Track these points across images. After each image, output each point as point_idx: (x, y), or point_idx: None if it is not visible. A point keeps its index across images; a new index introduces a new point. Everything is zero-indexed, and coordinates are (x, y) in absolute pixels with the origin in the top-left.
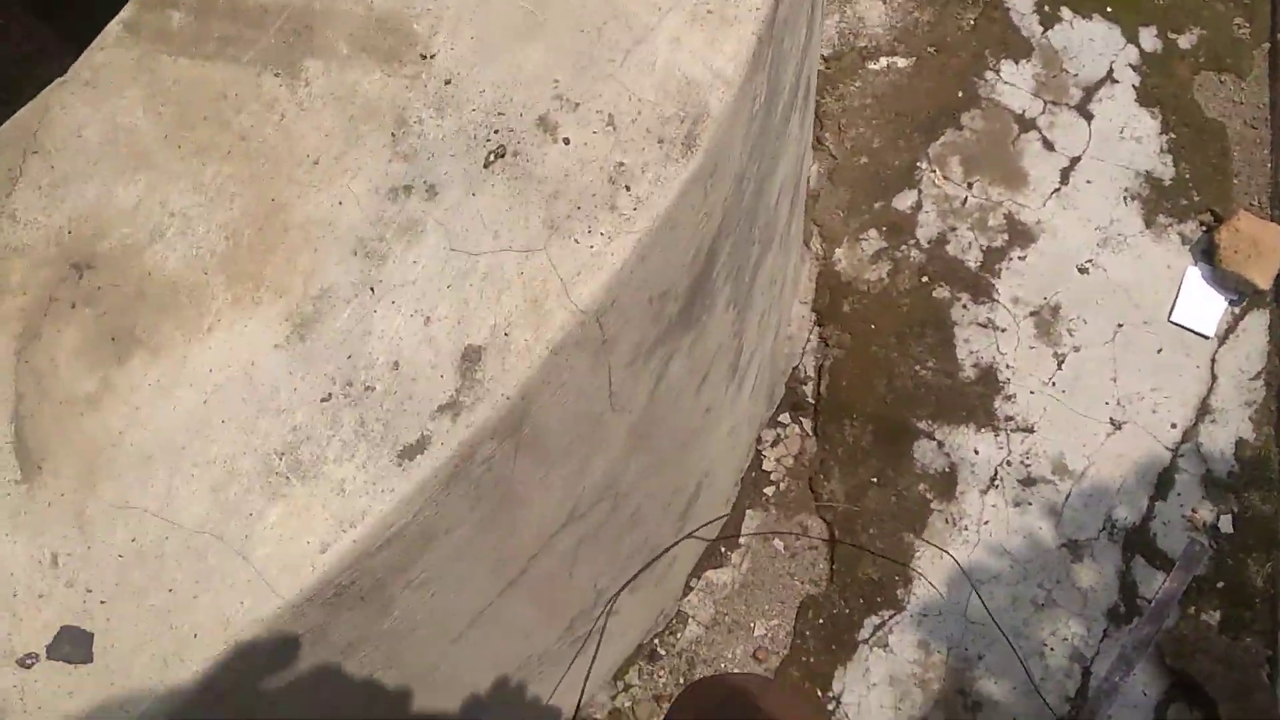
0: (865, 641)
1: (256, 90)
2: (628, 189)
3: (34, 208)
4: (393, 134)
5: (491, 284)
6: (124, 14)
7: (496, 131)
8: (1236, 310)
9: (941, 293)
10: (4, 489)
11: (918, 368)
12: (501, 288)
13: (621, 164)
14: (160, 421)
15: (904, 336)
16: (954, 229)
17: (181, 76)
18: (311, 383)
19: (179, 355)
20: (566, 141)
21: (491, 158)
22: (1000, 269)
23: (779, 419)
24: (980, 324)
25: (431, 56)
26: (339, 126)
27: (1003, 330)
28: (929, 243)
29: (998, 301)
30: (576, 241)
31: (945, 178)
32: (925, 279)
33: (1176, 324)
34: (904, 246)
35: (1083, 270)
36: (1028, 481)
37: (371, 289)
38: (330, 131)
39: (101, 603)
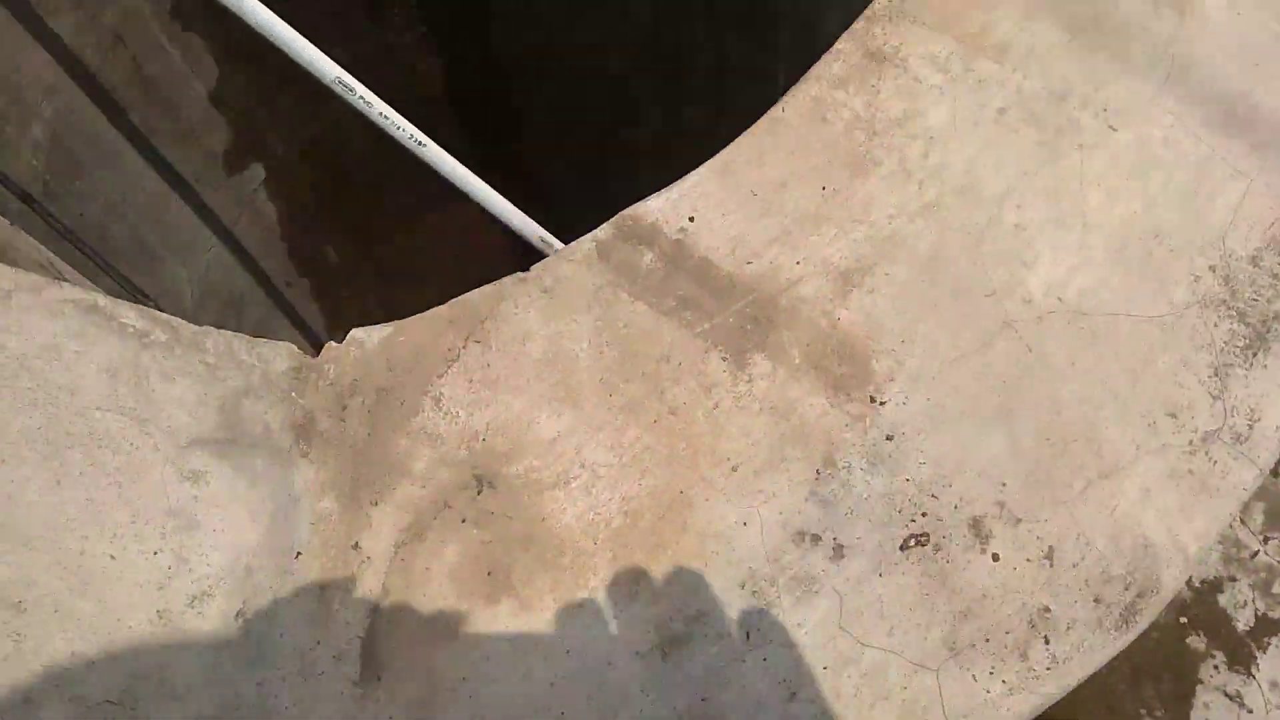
0: None
1: (700, 367)
2: (1046, 641)
3: (459, 400)
4: (818, 471)
5: (870, 686)
6: (600, 233)
7: (924, 514)
8: None
9: (1196, 643)
10: (340, 683)
11: (1143, 711)
12: (879, 695)
13: (1047, 609)
14: (503, 685)
15: (1140, 672)
16: (1234, 580)
17: (634, 322)
18: (658, 711)
19: (544, 620)
20: (995, 558)
21: (911, 541)
22: (1269, 644)
23: None
24: (1227, 694)
25: (881, 403)
26: (767, 439)
27: (1249, 711)
28: (1201, 583)
29: (1254, 678)
30: (974, 678)
31: (1242, 521)
32: (1184, 620)
33: None
34: None
35: None
36: None
37: (748, 634)
38: (758, 441)
39: None
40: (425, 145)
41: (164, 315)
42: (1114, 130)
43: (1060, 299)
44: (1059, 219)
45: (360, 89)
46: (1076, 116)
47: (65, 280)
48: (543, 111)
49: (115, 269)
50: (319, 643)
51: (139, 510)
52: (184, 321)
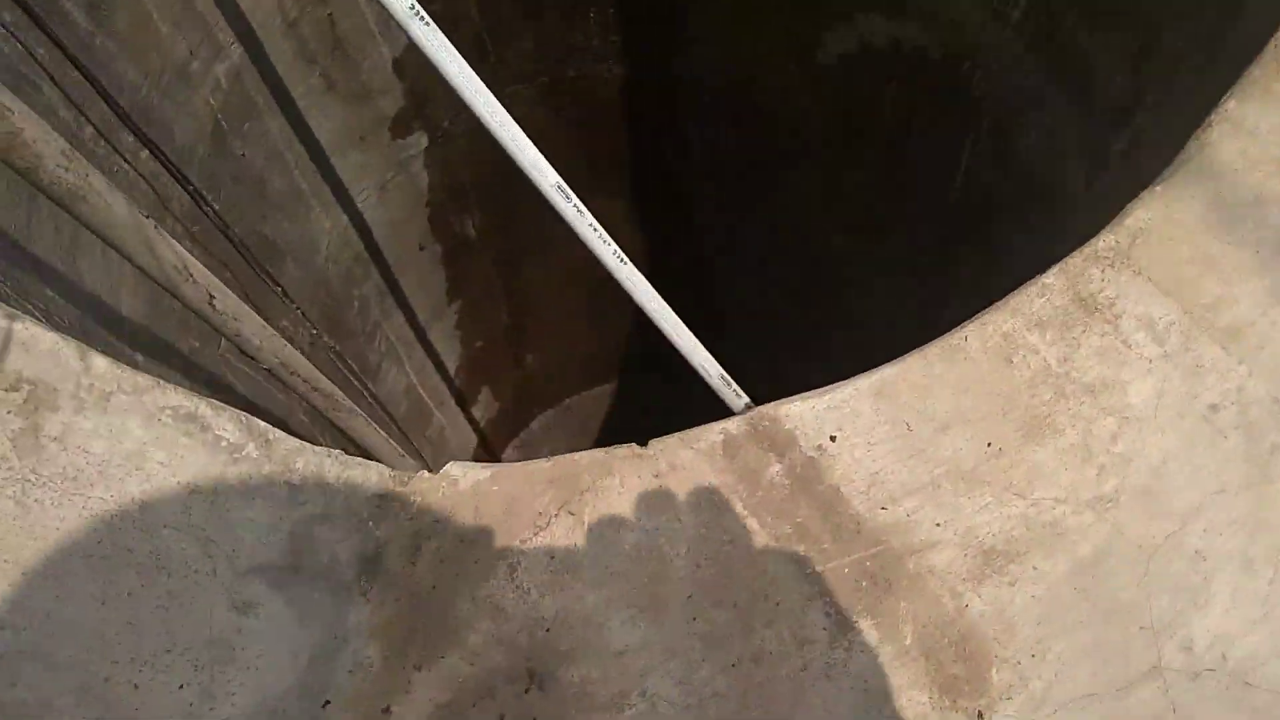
0: None
1: (799, 615)
2: None
3: (535, 575)
4: None
5: None
6: (731, 425)
7: None
8: None
9: None
10: None
11: None
12: None
13: None
14: None
15: None
16: None
17: (741, 540)
18: None
19: None
20: None
21: None
22: None
23: None
24: None
25: None
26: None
27: None
28: None
29: None
30: None
31: None
32: None
33: None
34: None
35: None
36: None
37: None
38: None
39: None
40: (625, 263)
41: (262, 426)
42: None
43: (1224, 656)
44: (1248, 558)
45: (575, 199)
46: None
47: (196, 282)
48: (711, 140)
49: (250, 252)
50: None
51: (178, 638)
52: (282, 434)
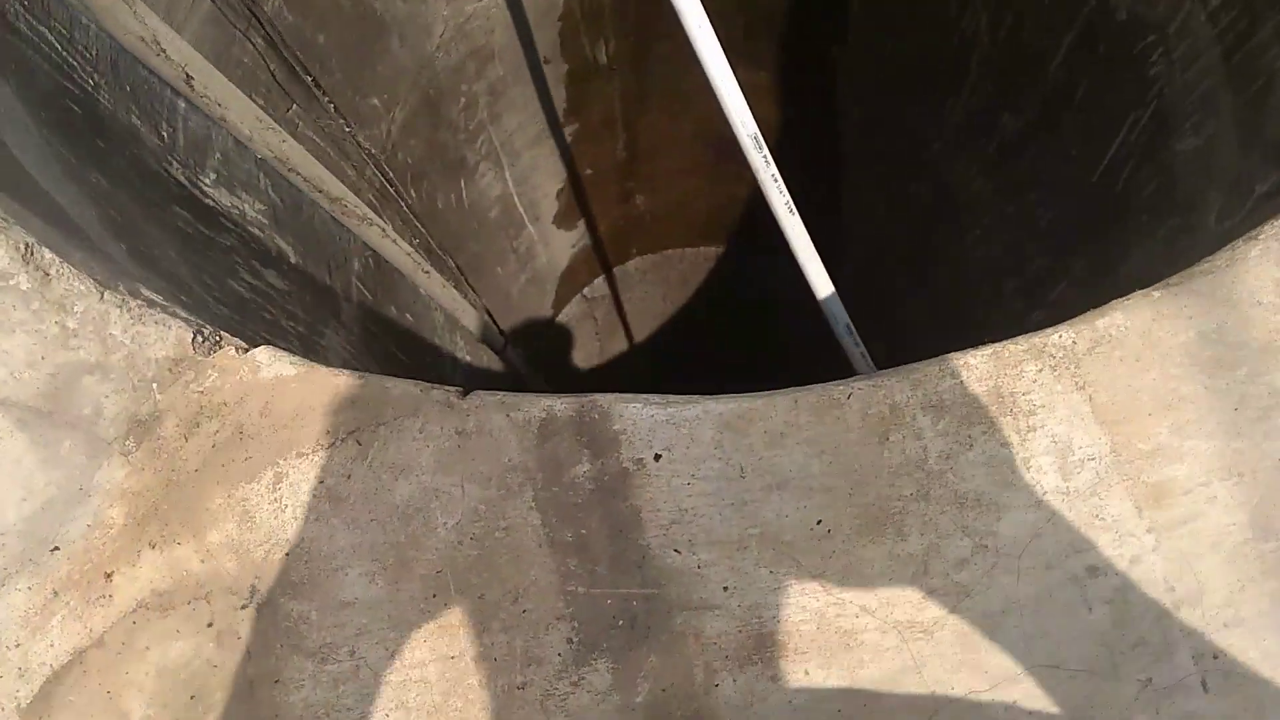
0: None
1: (540, 631)
2: None
3: (296, 495)
4: None
5: None
6: (559, 405)
7: None
8: None
9: None
10: (5, 707)
11: None
12: None
13: None
14: None
15: None
16: None
17: (516, 532)
18: None
19: None
20: None
21: None
22: None
23: None
24: None
25: None
26: None
27: None
28: None
29: None
30: None
31: None
32: None
33: None
34: None
35: None
36: None
37: None
38: None
39: None
40: (794, 214)
41: (47, 259)
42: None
43: None
44: None
45: (765, 149)
46: (1179, 666)
47: None
48: (872, 37)
49: (281, 35)
50: (17, 646)
51: None
52: (71, 271)
